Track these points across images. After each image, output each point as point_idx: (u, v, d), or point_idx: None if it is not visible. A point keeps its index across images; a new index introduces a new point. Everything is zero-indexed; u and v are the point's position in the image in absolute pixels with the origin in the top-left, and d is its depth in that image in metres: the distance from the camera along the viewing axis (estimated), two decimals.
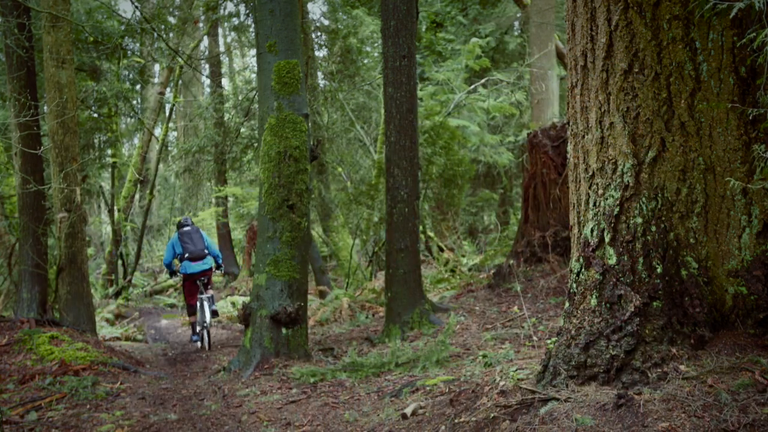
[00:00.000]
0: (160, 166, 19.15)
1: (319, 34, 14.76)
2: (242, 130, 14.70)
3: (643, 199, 3.03)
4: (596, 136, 3.18)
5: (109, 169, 17.88)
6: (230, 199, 19.76)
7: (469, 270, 11.17)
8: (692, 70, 2.98)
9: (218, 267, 8.87)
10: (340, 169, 15.43)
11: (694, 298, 2.97)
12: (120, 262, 17.58)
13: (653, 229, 3.01)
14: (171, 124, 19.66)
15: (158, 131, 17.62)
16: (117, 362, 6.47)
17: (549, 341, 3.82)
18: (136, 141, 20.02)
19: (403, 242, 7.11)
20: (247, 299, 9.27)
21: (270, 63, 6.38)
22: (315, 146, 6.85)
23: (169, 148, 21.03)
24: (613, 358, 2.91)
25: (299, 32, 6.61)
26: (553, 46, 12.29)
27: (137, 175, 17.35)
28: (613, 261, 3.04)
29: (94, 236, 21.74)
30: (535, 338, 5.57)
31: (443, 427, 3.36)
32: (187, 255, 8.40)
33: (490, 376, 3.97)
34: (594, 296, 3.05)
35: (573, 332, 3.09)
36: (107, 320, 12.43)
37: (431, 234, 12.73)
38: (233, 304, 12.85)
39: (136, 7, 11.26)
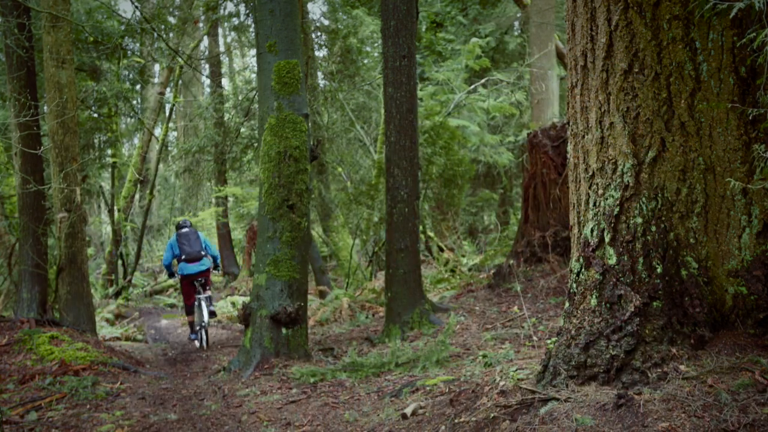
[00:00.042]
0: (160, 166, 19.15)
1: (319, 34, 14.77)
2: (242, 130, 14.70)
3: (643, 199, 3.03)
4: (596, 136, 3.18)
5: (109, 169, 17.88)
6: (230, 199, 19.76)
7: (469, 270, 11.17)
8: (692, 70, 2.98)
9: (216, 267, 9.00)
10: (340, 169, 15.43)
11: (694, 298, 2.97)
12: (120, 262, 17.58)
13: (653, 229, 3.01)
14: (171, 124, 19.66)
15: (158, 131, 17.62)
16: (117, 362, 6.47)
17: (549, 341, 3.82)
18: (136, 141, 20.02)
19: (403, 242, 7.11)
20: (247, 299, 9.28)
21: (270, 63, 6.38)
22: (315, 146, 6.85)
23: (169, 148, 21.03)
24: (613, 358, 2.91)
25: (299, 32, 6.61)
26: (553, 46, 12.29)
27: (137, 175, 17.36)
28: (613, 261, 3.04)
29: (94, 236, 21.74)
30: (535, 338, 5.57)
31: (443, 427, 3.36)
32: (184, 256, 8.57)
33: (490, 376, 3.97)
34: (594, 296, 3.05)
35: (573, 332, 3.09)
36: (107, 320, 12.43)
37: (431, 234, 12.73)
38: (233, 304, 12.85)
39: (136, 7, 11.26)
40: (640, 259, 2.98)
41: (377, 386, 4.95)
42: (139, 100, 19.10)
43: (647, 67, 3.02)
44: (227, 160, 15.82)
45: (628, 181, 3.05)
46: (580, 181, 3.31)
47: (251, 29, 15.10)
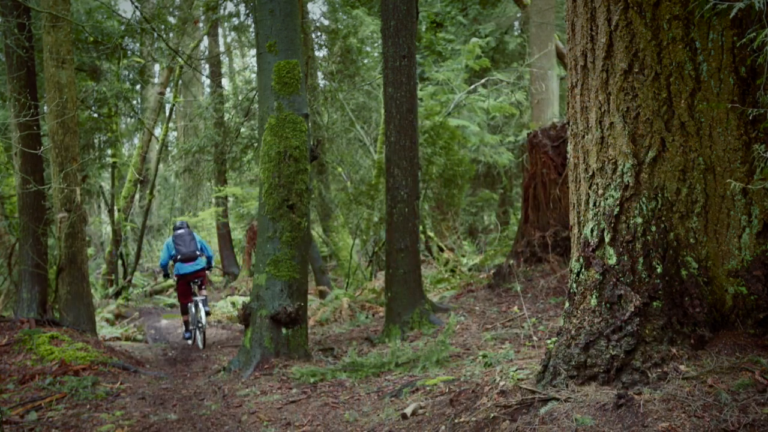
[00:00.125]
0: (160, 166, 19.15)
1: (319, 34, 14.77)
2: (242, 130, 14.70)
3: (643, 199, 3.03)
4: (596, 136, 3.18)
5: (109, 169, 17.88)
6: (230, 199, 19.76)
7: (469, 270, 11.16)
8: (692, 70, 2.98)
9: (209, 267, 9.29)
10: (340, 169, 15.43)
11: (694, 298, 2.97)
12: (120, 262, 17.58)
13: (653, 229, 3.01)
14: (171, 124, 19.65)
15: (158, 131, 17.61)
16: (117, 362, 6.47)
17: (549, 341, 3.82)
18: (136, 141, 20.01)
19: (403, 242, 7.11)
20: (247, 299, 9.31)
21: (270, 63, 6.38)
22: (315, 146, 6.85)
23: (169, 148, 21.02)
24: (613, 358, 2.91)
25: (299, 32, 6.61)
26: (553, 46, 12.29)
27: (137, 175, 17.35)
28: (613, 261, 3.04)
29: (94, 236, 21.73)
30: (535, 338, 5.57)
31: (443, 427, 3.36)
32: (179, 257, 8.83)
33: (490, 376, 3.97)
34: (594, 296, 3.05)
35: (573, 332, 3.09)
36: (107, 320, 12.43)
37: (431, 234, 12.73)
38: (233, 304, 12.85)
39: (136, 7, 11.26)
40: (640, 259, 2.98)
41: (377, 386, 4.95)
42: (139, 100, 19.10)
43: (647, 67, 3.02)
44: (227, 160, 15.83)
45: (628, 181, 3.05)
46: (580, 181, 3.31)
47: (251, 29, 15.10)
